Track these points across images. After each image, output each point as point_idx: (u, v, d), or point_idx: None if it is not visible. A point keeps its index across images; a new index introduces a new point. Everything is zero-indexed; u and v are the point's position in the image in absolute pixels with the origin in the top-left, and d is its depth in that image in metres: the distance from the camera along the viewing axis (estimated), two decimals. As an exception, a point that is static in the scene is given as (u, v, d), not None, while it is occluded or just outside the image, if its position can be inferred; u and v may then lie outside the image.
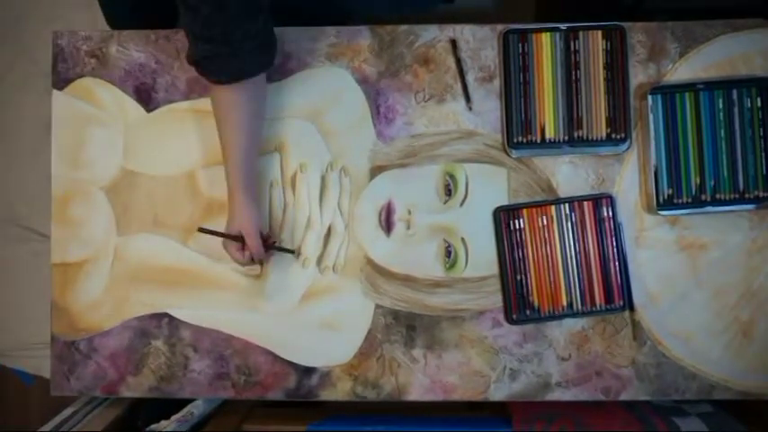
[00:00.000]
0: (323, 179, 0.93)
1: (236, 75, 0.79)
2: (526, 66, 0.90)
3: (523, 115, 0.90)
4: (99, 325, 0.94)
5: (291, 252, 0.91)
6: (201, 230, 0.87)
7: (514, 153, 0.91)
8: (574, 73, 0.90)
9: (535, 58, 0.91)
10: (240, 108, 0.82)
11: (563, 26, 0.90)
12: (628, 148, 0.90)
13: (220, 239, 0.87)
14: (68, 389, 0.94)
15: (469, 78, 0.92)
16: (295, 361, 0.92)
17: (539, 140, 0.90)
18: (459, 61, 0.91)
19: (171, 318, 0.93)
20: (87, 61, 0.94)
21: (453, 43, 0.92)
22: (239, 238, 0.85)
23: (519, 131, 0.90)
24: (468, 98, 0.91)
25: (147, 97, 0.94)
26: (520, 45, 0.91)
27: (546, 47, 0.90)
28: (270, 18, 0.78)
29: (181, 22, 0.75)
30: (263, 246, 0.86)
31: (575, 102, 0.90)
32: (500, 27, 0.91)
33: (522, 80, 0.90)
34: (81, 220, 0.95)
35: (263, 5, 0.76)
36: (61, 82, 0.95)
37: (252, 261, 0.88)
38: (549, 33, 0.90)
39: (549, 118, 0.90)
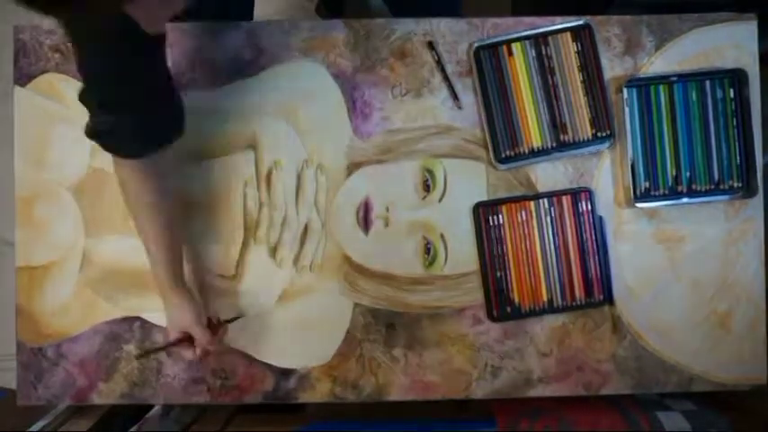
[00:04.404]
0: (299, 177, 0.91)
1: (145, 148, 0.70)
2: (502, 80, 0.90)
3: (508, 129, 0.90)
4: (67, 330, 0.91)
5: (239, 318, 0.88)
6: (141, 356, 0.84)
7: (502, 167, 0.90)
8: (550, 79, 0.90)
9: (509, 70, 0.90)
10: (153, 183, 0.73)
11: (531, 33, 0.90)
12: (613, 144, 0.90)
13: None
14: (36, 398, 0.91)
15: (447, 73, 0.91)
16: (272, 363, 0.90)
17: (527, 152, 0.90)
18: (439, 62, 0.90)
19: (143, 321, 0.90)
20: (51, 56, 0.91)
21: (430, 44, 0.90)
22: (186, 338, 0.80)
23: (506, 146, 0.90)
24: (455, 96, 0.90)
25: (114, 94, 0.91)
26: (492, 59, 0.90)
27: (518, 57, 0.90)
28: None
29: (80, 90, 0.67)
30: (213, 331, 0.82)
31: (556, 107, 0.90)
32: (471, 41, 0.90)
33: (500, 95, 0.90)
34: (47, 222, 0.91)
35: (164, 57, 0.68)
36: (23, 78, 0.91)
37: (206, 353, 0.83)
38: (519, 43, 0.90)
39: (533, 128, 0.90)
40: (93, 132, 0.68)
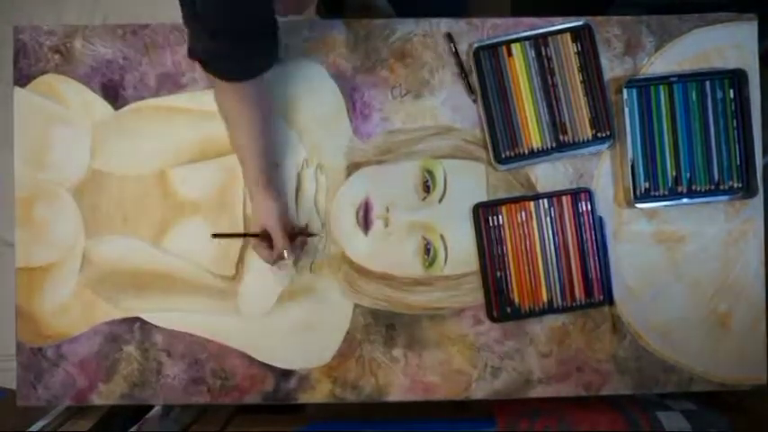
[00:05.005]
0: (298, 177, 0.91)
1: (251, 72, 0.75)
2: (502, 80, 0.90)
3: (507, 130, 0.90)
4: (67, 331, 0.91)
5: (315, 235, 0.90)
6: (216, 236, 0.85)
7: (502, 167, 0.90)
8: (550, 79, 0.90)
9: (509, 71, 0.90)
10: (253, 102, 0.78)
11: (530, 33, 0.90)
12: (612, 144, 0.90)
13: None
14: (36, 398, 0.91)
15: (447, 73, 0.91)
16: (272, 364, 0.90)
17: (527, 152, 0.90)
18: (457, 53, 0.90)
19: (143, 322, 0.90)
20: (51, 57, 0.91)
21: (449, 37, 0.90)
22: (263, 235, 0.83)
23: (506, 146, 0.90)
24: (471, 89, 0.90)
25: (114, 94, 0.91)
26: (492, 60, 0.90)
27: (518, 58, 0.90)
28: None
29: (183, 14, 0.70)
30: (289, 237, 0.84)
31: (555, 108, 0.90)
32: (471, 42, 0.90)
33: (500, 95, 0.90)
34: (46, 223, 0.91)
35: None
36: (23, 79, 0.91)
37: (280, 257, 0.84)
38: (518, 44, 0.90)
39: (533, 128, 0.90)
40: (203, 58, 0.73)
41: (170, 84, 0.91)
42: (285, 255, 0.83)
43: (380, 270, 0.90)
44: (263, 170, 0.83)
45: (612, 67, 0.91)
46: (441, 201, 0.90)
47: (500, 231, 0.90)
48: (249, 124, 0.80)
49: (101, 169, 0.91)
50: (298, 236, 0.87)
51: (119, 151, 0.92)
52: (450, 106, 0.91)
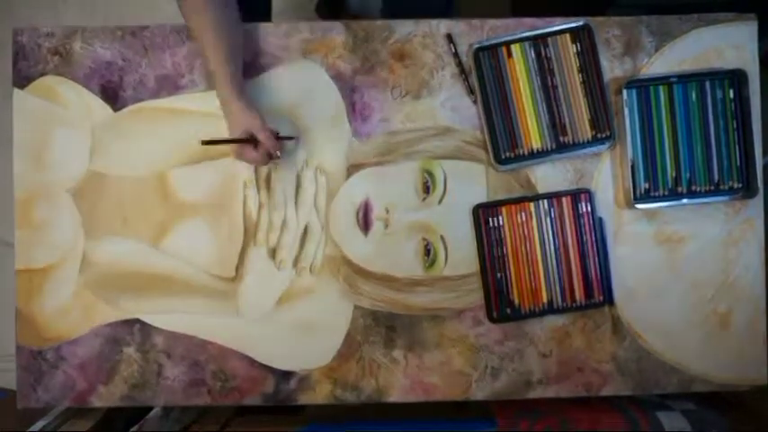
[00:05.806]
0: (298, 178, 0.91)
1: None
2: (502, 81, 0.90)
3: (507, 130, 0.90)
4: (67, 333, 0.90)
5: (292, 138, 0.89)
6: (206, 143, 0.83)
7: (502, 168, 0.90)
8: (550, 80, 0.90)
9: (509, 71, 0.90)
10: (212, 7, 0.80)
11: (530, 34, 0.90)
12: (612, 145, 0.90)
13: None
14: (35, 400, 0.91)
15: (446, 73, 0.91)
16: (272, 365, 0.90)
17: (527, 153, 0.90)
18: (456, 54, 0.90)
19: (143, 323, 0.90)
20: (50, 59, 0.91)
21: (449, 37, 0.90)
22: (249, 140, 0.82)
23: (505, 147, 0.90)
24: (471, 90, 0.90)
25: (113, 96, 0.91)
26: (492, 61, 0.90)
27: (518, 58, 0.90)
28: None
29: None
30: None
31: (555, 108, 0.90)
32: (470, 42, 0.90)
33: (499, 96, 0.90)
34: (46, 224, 0.91)
35: None
36: (22, 80, 0.91)
37: (269, 158, 0.84)
38: (518, 45, 0.90)
39: (533, 129, 0.90)
40: None
41: (169, 85, 0.91)
42: (277, 152, 0.84)
43: (380, 271, 0.90)
44: (235, 75, 0.82)
45: (612, 68, 0.91)
46: (440, 202, 0.90)
47: (500, 232, 0.90)
48: (216, 34, 0.80)
49: (100, 171, 0.91)
50: (279, 139, 0.86)
51: (118, 153, 0.91)
52: (449, 107, 0.91)
